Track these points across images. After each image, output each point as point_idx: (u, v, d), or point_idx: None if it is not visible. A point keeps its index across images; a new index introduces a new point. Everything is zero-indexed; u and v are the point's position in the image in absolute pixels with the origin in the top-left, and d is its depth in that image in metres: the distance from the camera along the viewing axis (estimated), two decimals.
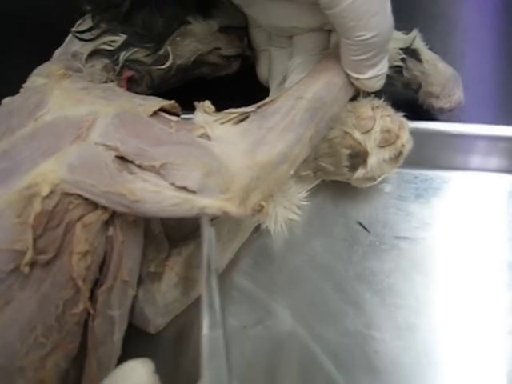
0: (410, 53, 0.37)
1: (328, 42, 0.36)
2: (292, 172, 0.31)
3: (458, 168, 0.38)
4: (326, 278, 0.35)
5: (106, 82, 0.34)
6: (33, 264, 0.26)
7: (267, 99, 0.32)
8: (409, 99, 0.39)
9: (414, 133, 0.34)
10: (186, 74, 0.38)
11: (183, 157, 0.28)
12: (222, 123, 0.31)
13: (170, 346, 0.34)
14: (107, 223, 0.30)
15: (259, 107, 0.31)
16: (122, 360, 0.30)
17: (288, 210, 0.34)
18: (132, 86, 0.36)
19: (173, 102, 0.31)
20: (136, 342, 0.33)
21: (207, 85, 0.41)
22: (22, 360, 0.25)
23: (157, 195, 0.27)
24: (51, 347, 0.26)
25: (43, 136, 0.28)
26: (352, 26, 0.29)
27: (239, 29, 0.39)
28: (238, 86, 0.41)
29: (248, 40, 0.39)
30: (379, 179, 0.34)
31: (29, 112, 0.29)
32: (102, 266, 0.29)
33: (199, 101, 0.40)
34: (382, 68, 0.32)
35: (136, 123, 0.29)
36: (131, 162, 0.28)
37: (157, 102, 0.30)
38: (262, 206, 0.29)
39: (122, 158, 0.28)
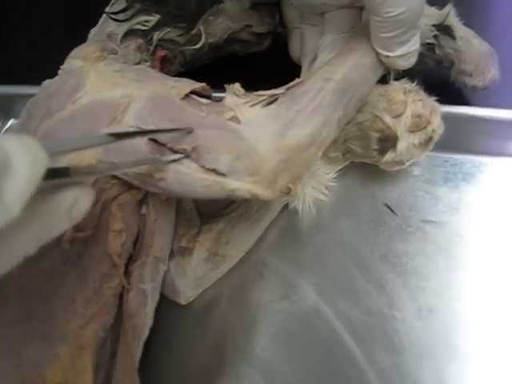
0: (443, 29, 0.35)
1: (359, 20, 0.35)
2: (320, 154, 0.31)
3: (489, 153, 0.37)
4: (351, 257, 0.35)
5: (139, 62, 0.35)
6: (72, 240, 0.28)
7: (296, 80, 0.32)
8: (441, 77, 0.38)
9: (446, 117, 0.33)
10: (218, 51, 0.39)
11: (213, 140, 0.29)
12: (252, 106, 0.31)
13: (198, 317, 0.35)
14: (141, 202, 0.31)
15: (288, 89, 0.32)
16: (153, 329, 0.33)
17: (316, 191, 0.35)
18: (165, 64, 0.36)
19: (204, 84, 0.32)
20: (167, 312, 0.35)
21: (239, 61, 0.41)
22: (63, 328, 0.28)
23: (188, 177, 0.28)
24: (89, 317, 0.28)
25: (81, 118, 0.30)
26: (381, 2, 0.29)
27: (270, 5, 0.38)
28: (270, 63, 0.41)
29: (280, 17, 0.39)
30: (408, 163, 0.34)
31: (67, 95, 0.30)
32: (136, 242, 0.31)
33: (231, 78, 0.40)
34: (414, 45, 0.31)
35: (168, 107, 0.30)
36: (163, 144, 0.29)
37: (188, 85, 0.31)
38: (290, 189, 0.30)
39: (155, 141, 0.29)
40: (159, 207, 0.31)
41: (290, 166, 0.30)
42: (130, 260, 0.30)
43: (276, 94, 0.31)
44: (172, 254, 0.34)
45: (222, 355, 0.34)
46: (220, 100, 0.33)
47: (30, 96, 0.41)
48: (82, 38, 0.36)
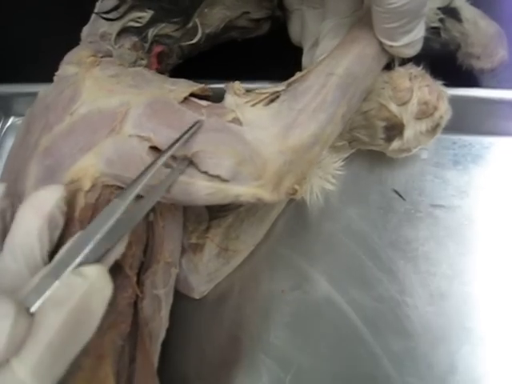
0: (449, 12, 0.33)
1: (361, 3, 0.33)
2: (324, 151, 0.30)
3: (498, 134, 0.35)
4: (361, 245, 0.35)
5: (135, 60, 0.33)
6: None
7: (297, 74, 0.30)
8: (447, 59, 0.36)
9: (454, 99, 0.32)
10: (216, 39, 0.36)
11: (215, 144, 0.28)
12: (253, 105, 0.30)
13: (212, 309, 0.35)
14: None
15: (289, 85, 0.30)
16: (170, 322, 0.33)
17: (323, 180, 0.34)
18: (163, 59, 0.35)
19: (202, 85, 0.30)
20: (182, 306, 0.35)
21: (238, 47, 0.39)
22: None
23: (191, 186, 0.28)
24: (107, 327, 0.28)
25: (80, 131, 0.29)
26: None
27: None
28: (270, 47, 0.39)
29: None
30: (415, 150, 0.33)
31: (64, 106, 0.29)
32: (146, 249, 0.30)
33: (230, 65, 0.39)
34: (418, 33, 0.29)
35: (167, 112, 0.28)
36: (164, 152, 0.28)
37: (187, 87, 0.30)
38: (296, 190, 0.29)
39: (156, 149, 0.28)
40: (166, 213, 0.31)
41: (295, 167, 0.28)
42: (142, 268, 0.30)
43: (277, 91, 0.30)
44: (183, 251, 0.34)
45: (239, 345, 0.35)
46: (221, 92, 0.32)
47: (30, 94, 0.41)
48: (79, 34, 0.35)
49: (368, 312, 0.34)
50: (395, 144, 0.32)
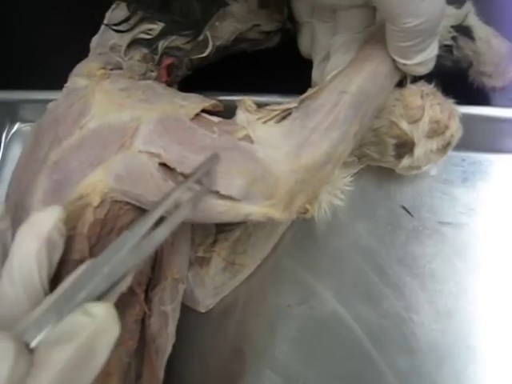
0: (462, 30, 0.33)
1: (373, 18, 0.32)
2: (336, 170, 0.30)
3: (508, 152, 0.35)
4: (368, 261, 0.34)
5: (145, 72, 0.32)
6: None
7: (310, 91, 0.30)
8: (458, 76, 0.35)
9: (464, 117, 0.31)
10: (226, 50, 0.36)
11: (226, 164, 0.27)
12: (265, 122, 0.29)
13: (216, 322, 0.35)
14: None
15: (302, 102, 0.30)
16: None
17: (332, 195, 0.33)
18: (172, 70, 0.34)
19: (214, 101, 0.30)
20: (186, 318, 0.34)
21: (247, 59, 0.38)
22: None
23: (202, 204, 0.27)
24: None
25: (89, 145, 0.28)
26: (398, 13, 0.26)
27: (278, 0, 0.35)
28: (279, 59, 0.38)
29: (288, 11, 0.36)
30: (425, 167, 0.32)
31: (73, 120, 0.28)
32: (154, 265, 0.30)
33: (240, 76, 0.38)
34: (432, 51, 0.29)
35: (178, 129, 0.28)
36: (174, 169, 0.27)
37: (198, 103, 0.29)
38: (307, 209, 0.28)
39: (166, 165, 0.27)
40: (175, 229, 0.30)
41: (306, 186, 0.28)
42: (150, 284, 0.29)
43: (289, 109, 0.29)
44: (190, 264, 0.34)
45: (243, 359, 0.34)
46: (231, 104, 0.31)
47: (36, 101, 0.40)
48: (87, 42, 0.34)
49: (374, 328, 0.33)
50: (405, 161, 0.32)
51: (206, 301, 0.35)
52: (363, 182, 0.36)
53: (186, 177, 0.27)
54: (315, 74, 0.35)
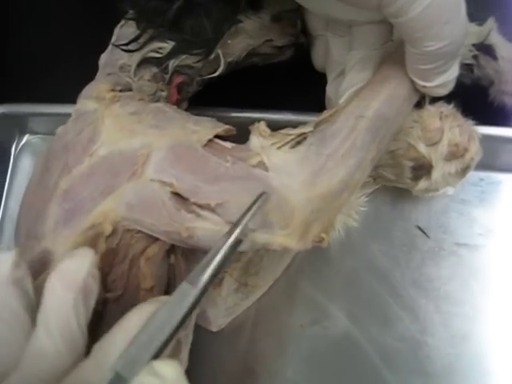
0: (484, 49, 0.31)
1: (391, 35, 0.31)
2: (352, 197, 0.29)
3: None
4: (383, 282, 0.34)
5: (155, 92, 0.31)
6: (105, 301, 0.27)
7: (325, 114, 0.29)
8: (478, 95, 0.34)
9: (484, 137, 0.30)
10: (237, 65, 0.35)
11: (241, 194, 0.26)
12: (279, 148, 0.28)
13: (227, 340, 0.34)
14: (169, 251, 0.29)
15: (317, 126, 0.28)
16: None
17: (346, 216, 0.32)
18: (183, 87, 0.33)
19: (227, 126, 0.28)
20: (197, 335, 0.34)
21: (259, 72, 0.37)
22: None
23: (216, 234, 0.26)
24: None
25: (100, 174, 0.27)
26: (420, 36, 0.25)
27: (292, 12, 0.34)
28: (292, 73, 0.37)
29: (302, 24, 0.34)
30: (442, 190, 0.31)
31: (83, 147, 0.28)
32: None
33: (251, 91, 0.37)
34: (453, 73, 0.28)
35: (191, 157, 0.27)
36: (187, 199, 0.26)
37: (210, 129, 0.28)
38: (323, 238, 0.27)
39: (178, 194, 0.27)
40: (189, 255, 0.29)
41: (322, 215, 0.27)
42: None
43: (304, 133, 0.28)
44: None
45: (255, 378, 0.34)
46: (242, 121, 0.30)
47: (45, 114, 0.39)
48: (97, 57, 0.33)
49: (388, 351, 0.33)
50: (422, 184, 0.31)
51: (217, 320, 0.34)
52: (378, 202, 0.34)
53: (199, 206, 0.26)
54: (330, 90, 0.34)
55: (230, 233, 0.24)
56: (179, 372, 0.18)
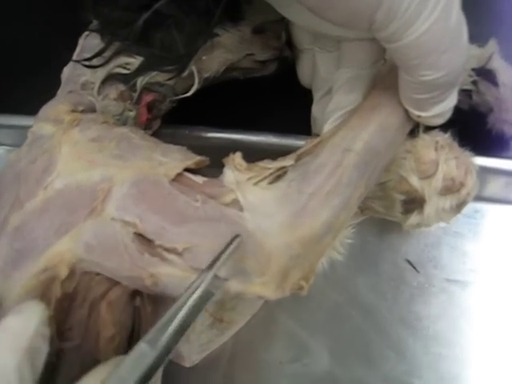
0: (484, 74, 0.28)
1: (383, 53, 0.27)
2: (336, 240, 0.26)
3: None
4: (368, 318, 0.31)
5: (122, 112, 0.28)
6: (60, 352, 0.24)
7: (308, 145, 0.25)
8: (475, 121, 0.30)
9: (481, 168, 0.27)
10: (215, 80, 0.31)
11: (211, 237, 0.23)
12: (256, 183, 0.25)
13: (201, 375, 0.32)
14: (134, 293, 0.26)
15: (299, 158, 0.25)
16: None
17: (331, 249, 0.29)
18: (154, 106, 0.29)
19: (198, 158, 0.25)
20: (170, 370, 0.31)
21: (240, 87, 0.33)
22: None
23: (184, 281, 0.23)
24: None
25: (55, 210, 0.24)
26: (416, 64, 0.22)
27: (276, 24, 0.30)
28: (275, 88, 0.33)
29: (287, 37, 0.31)
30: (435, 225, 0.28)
31: (36, 179, 0.24)
32: (132, 336, 0.26)
33: (231, 108, 0.33)
34: (451, 102, 0.24)
35: (156, 195, 0.24)
36: (151, 241, 0.23)
37: (179, 162, 0.24)
38: (302, 286, 0.25)
39: (142, 236, 0.23)
40: (156, 296, 0.26)
41: (302, 261, 0.24)
42: None
43: (285, 167, 0.25)
44: None
45: None
46: (220, 143, 0.27)
47: (10, 127, 0.36)
48: (62, 64, 0.29)
49: None
50: (413, 219, 0.28)
51: (191, 356, 0.31)
52: (365, 232, 0.31)
53: (165, 250, 0.23)
54: (316, 109, 0.31)
55: (197, 282, 0.21)
56: None
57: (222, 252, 0.22)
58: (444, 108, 0.24)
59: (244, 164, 0.25)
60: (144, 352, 0.19)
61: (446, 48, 0.21)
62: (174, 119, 0.31)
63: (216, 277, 0.22)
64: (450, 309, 0.30)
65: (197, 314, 0.21)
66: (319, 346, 0.31)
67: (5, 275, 0.24)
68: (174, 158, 0.25)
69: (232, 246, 0.22)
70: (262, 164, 0.25)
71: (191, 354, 0.31)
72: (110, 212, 0.23)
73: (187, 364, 0.31)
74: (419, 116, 0.25)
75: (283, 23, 0.30)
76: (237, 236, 0.23)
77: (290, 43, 0.31)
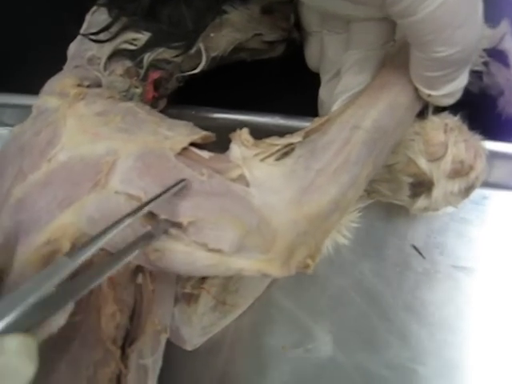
0: (496, 55, 0.27)
1: (393, 34, 0.27)
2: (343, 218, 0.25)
3: None
4: (372, 304, 0.30)
5: (128, 89, 0.27)
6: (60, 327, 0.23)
7: (316, 122, 0.25)
8: (485, 105, 0.30)
9: (490, 153, 0.26)
10: (222, 60, 0.30)
11: (217, 212, 0.22)
12: (263, 159, 0.24)
13: (203, 359, 0.31)
14: (136, 270, 0.25)
15: (307, 135, 0.25)
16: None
17: (335, 232, 0.29)
18: (160, 84, 0.29)
19: (205, 133, 0.25)
20: (171, 353, 0.31)
21: (247, 69, 0.33)
22: None
23: (188, 256, 0.23)
24: None
25: (58, 182, 0.23)
26: (429, 40, 0.21)
27: (285, 4, 0.30)
28: (283, 71, 0.33)
29: (295, 18, 0.30)
30: (442, 209, 0.28)
31: (40, 151, 0.24)
32: (133, 315, 0.26)
33: (238, 89, 0.33)
34: (462, 81, 0.24)
35: (162, 168, 0.23)
36: (156, 216, 0.23)
37: (185, 136, 0.24)
38: (308, 264, 0.24)
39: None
40: (157, 274, 0.26)
41: (309, 239, 0.23)
42: (127, 337, 0.25)
43: (292, 144, 0.24)
44: (176, 301, 0.29)
45: None
46: (227, 123, 0.26)
47: (16, 106, 0.35)
48: (67, 42, 0.29)
49: (375, 378, 0.30)
50: (421, 202, 0.27)
51: (192, 339, 0.31)
52: (371, 217, 0.31)
53: (170, 224, 0.23)
54: (323, 92, 0.30)
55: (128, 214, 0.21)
56: (27, 346, 0.16)
57: (163, 192, 0.22)
58: (455, 87, 0.24)
59: (251, 140, 0.24)
60: (62, 262, 0.18)
61: (461, 23, 0.20)
62: (180, 99, 0.31)
63: (159, 220, 0.22)
64: (455, 295, 0.30)
65: (128, 251, 0.21)
66: (322, 331, 0.30)
67: (6, 249, 0.23)
68: (179, 133, 0.24)
69: (175, 188, 0.22)
70: (269, 140, 0.25)
71: (192, 337, 0.31)
72: (114, 185, 0.23)
73: (189, 347, 0.31)
74: (429, 95, 0.24)
75: (292, 5, 0.30)
76: (182, 180, 0.22)
77: (298, 25, 0.31)
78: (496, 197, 0.30)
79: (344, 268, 0.31)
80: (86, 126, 0.24)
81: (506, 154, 0.29)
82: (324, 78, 0.30)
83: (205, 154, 0.24)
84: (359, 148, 0.23)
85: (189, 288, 0.30)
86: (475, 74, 0.28)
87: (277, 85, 0.33)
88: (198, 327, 0.30)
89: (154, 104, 0.29)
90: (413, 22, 0.21)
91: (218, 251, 0.22)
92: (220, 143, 0.26)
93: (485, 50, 0.27)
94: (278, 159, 0.24)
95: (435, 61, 0.22)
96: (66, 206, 0.23)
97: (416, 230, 0.31)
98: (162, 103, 0.30)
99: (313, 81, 0.31)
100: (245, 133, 0.25)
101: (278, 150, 0.24)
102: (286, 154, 0.24)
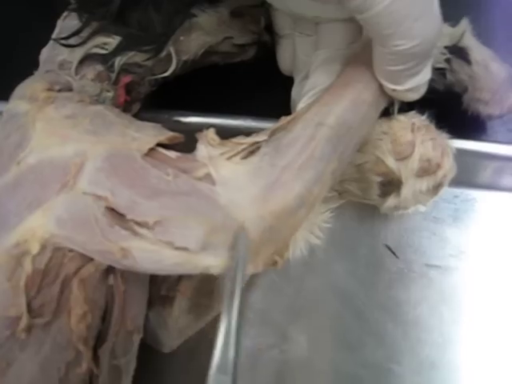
0: (457, 52, 0.28)
1: (359, 35, 0.28)
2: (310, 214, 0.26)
3: (505, 190, 0.31)
4: (347, 304, 0.31)
5: (100, 93, 0.28)
6: (30, 327, 0.24)
7: (282, 121, 0.26)
8: (451, 103, 0.31)
9: (459, 152, 0.27)
10: (194, 64, 0.31)
11: (182, 211, 0.23)
12: (229, 158, 0.25)
13: (181, 362, 0.32)
14: (107, 271, 0.26)
15: (272, 134, 0.25)
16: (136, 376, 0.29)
17: (308, 232, 0.29)
18: (133, 88, 0.30)
19: (172, 134, 0.25)
20: (148, 356, 0.31)
21: (220, 72, 0.33)
22: None
23: (154, 255, 0.23)
24: None
25: (27, 184, 0.24)
26: (389, 34, 0.22)
27: (254, 8, 0.31)
28: (255, 74, 0.34)
29: (266, 22, 0.31)
30: (412, 208, 0.28)
31: (10, 153, 0.24)
32: (104, 315, 0.26)
33: (210, 92, 0.34)
34: (425, 76, 0.25)
35: (129, 169, 0.24)
36: (122, 215, 0.23)
37: (152, 136, 0.25)
38: (276, 261, 0.25)
39: (113, 210, 0.24)
40: (129, 275, 0.26)
41: (275, 235, 0.24)
42: (99, 338, 0.26)
43: (258, 142, 0.25)
44: (151, 303, 0.30)
45: None
46: (200, 127, 0.27)
47: None
48: (39, 48, 0.29)
49: (351, 378, 0.30)
50: (391, 201, 0.28)
51: (169, 342, 0.31)
52: (344, 217, 0.31)
53: (136, 223, 0.23)
54: (295, 93, 0.31)
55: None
56: None
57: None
58: (419, 82, 0.25)
59: (217, 139, 0.25)
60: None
61: (418, 15, 0.21)
62: (153, 103, 0.32)
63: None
64: (429, 294, 0.30)
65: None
66: (297, 331, 0.31)
67: None
68: (147, 134, 0.25)
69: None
70: (235, 140, 0.25)
71: (169, 339, 0.31)
72: (82, 186, 0.23)
73: (166, 350, 0.31)
74: (394, 90, 0.25)
75: (262, 8, 0.31)
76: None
77: (269, 28, 0.32)
78: (467, 195, 0.31)
79: (318, 269, 0.31)
80: (54, 129, 0.25)
81: (474, 151, 0.29)
82: (296, 79, 0.31)
83: (172, 154, 0.25)
84: (323, 144, 0.24)
85: (164, 290, 0.30)
86: (439, 72, 0.29)
87: (249, 87, 0.34)
88: (174, 330, 0.30)
89: (126, 108, 0.30)
90: (370, 17, 0.22)
91: (185, 249, 0.23)
92: (193, 146, 0.27)
93: (446, 47, 0.28)
94: (244, 158, 0.25)
95: (396, 54, 0.23)
96: (35, 208, 0.23)
97: (389, 229, 0.31)
98: (136, 107, 0.31)
99: (284, 83, 0.31)
100: (211, 132, 0.25)
101: (244, 149, 0.25)
102: (251, 153, 0.25)
